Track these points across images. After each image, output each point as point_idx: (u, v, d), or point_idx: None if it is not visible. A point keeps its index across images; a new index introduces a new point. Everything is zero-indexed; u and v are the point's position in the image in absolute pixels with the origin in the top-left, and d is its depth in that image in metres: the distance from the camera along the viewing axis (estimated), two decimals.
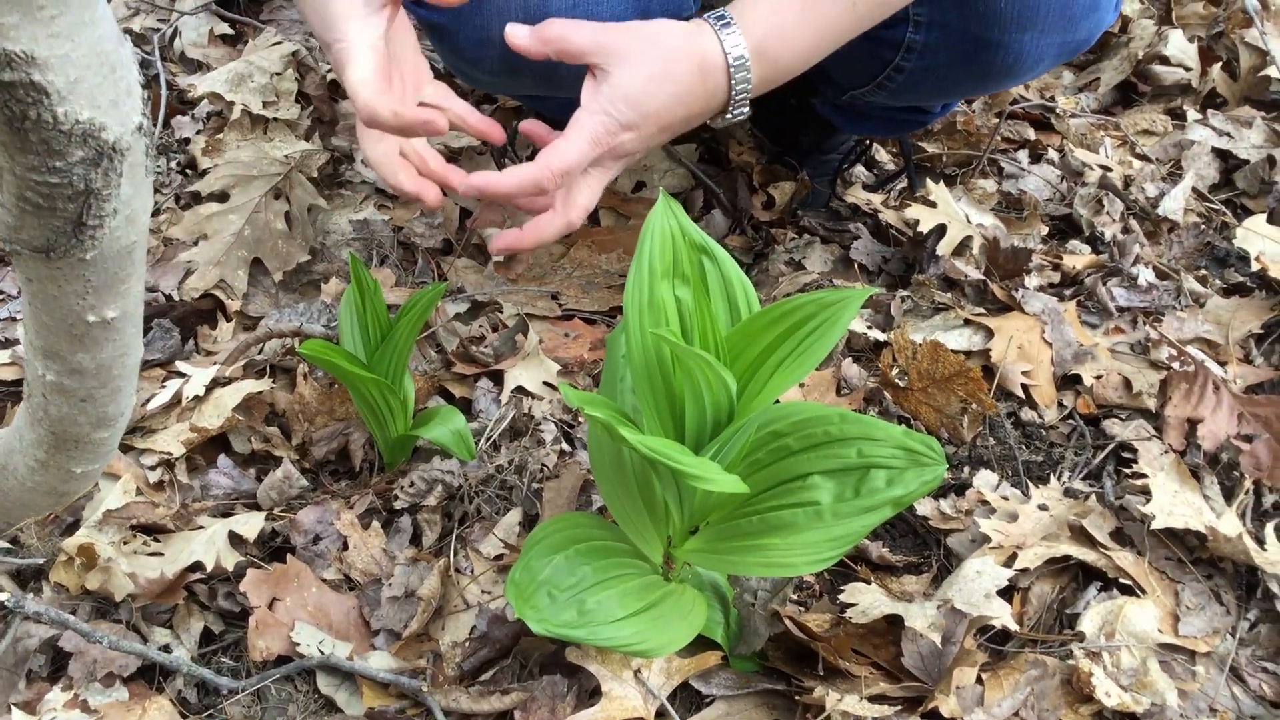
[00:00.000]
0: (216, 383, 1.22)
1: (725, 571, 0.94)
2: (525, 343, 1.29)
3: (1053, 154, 1.69)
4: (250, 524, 1.06)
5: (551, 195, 0.95)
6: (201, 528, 1.06)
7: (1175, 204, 1.52)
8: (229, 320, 1.37)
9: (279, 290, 1.43)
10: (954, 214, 1.44)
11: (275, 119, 1.65)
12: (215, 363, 1.25)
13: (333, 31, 0.92)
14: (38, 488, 0.94)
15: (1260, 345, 1.29)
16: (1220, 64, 1.82)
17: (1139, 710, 0.87)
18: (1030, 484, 1.11)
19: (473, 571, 1.04)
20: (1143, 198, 1.56)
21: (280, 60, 1.74)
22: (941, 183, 1.49)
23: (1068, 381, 1.24)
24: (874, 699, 0.88)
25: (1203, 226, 1.49)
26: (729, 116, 0.99)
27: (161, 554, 1.02)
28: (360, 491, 1.14)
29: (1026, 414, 1.20)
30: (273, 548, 1.09)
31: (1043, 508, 1.07)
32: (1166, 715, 0.87)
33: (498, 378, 1.27)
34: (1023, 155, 1.70)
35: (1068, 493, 1.10)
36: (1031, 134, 1.74)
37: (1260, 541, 1.01)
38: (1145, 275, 1.37)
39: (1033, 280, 1.36)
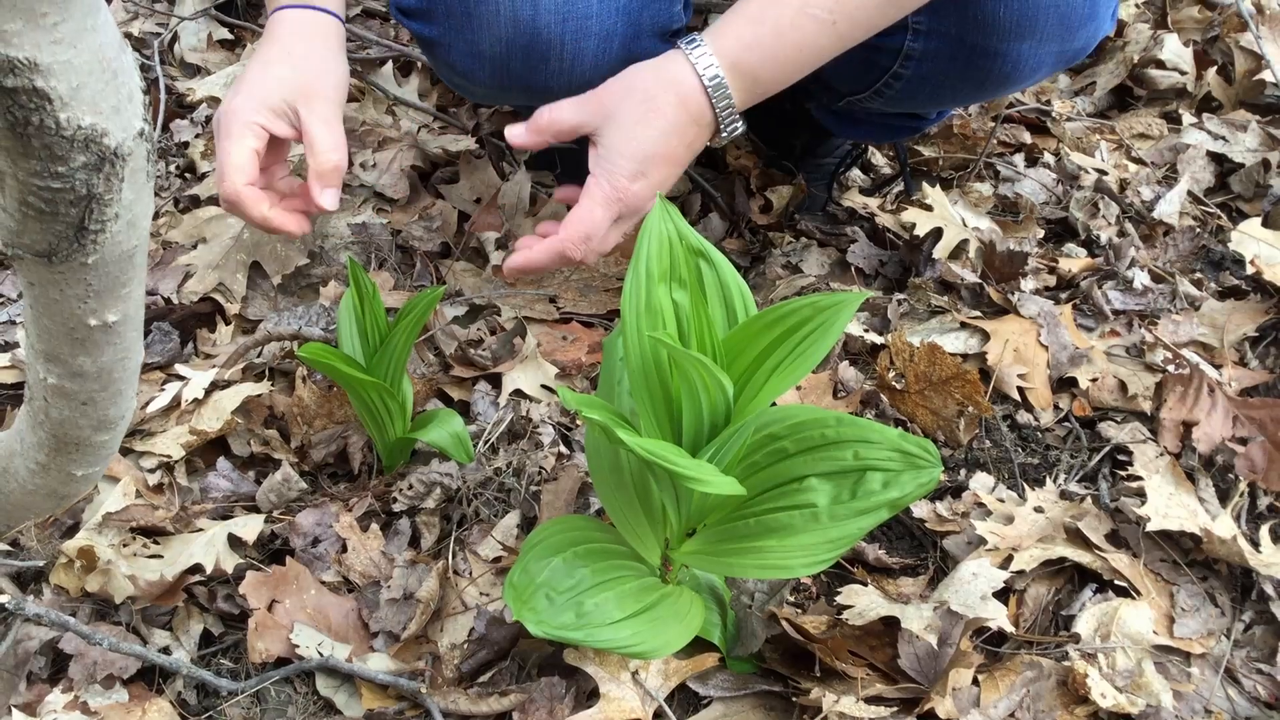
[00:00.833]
0: (215, 386, 1.22)
1: (722, 573, 0.94)
2: (523, 346, 1.29)
3: (1049, 158, 1.70)
4: (249, 526, 1.06)
5: (585, 256, 1.00)
6: (201, 530, 1.06)
7: (1170, 207, 1.53)
8: (228, 323, 1.37)
9: (278, 293, 1.43)
10: (950, 217, 1.44)
11: None
12: (214, 366, 1.25)
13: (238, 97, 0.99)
14: (38, 490, 0.94)
15: (1255, 348, 1.29)
16: (1215, 68, 1.82)
17: (1134, 711, 0.87)
18: (1026, 486, 1.12)
19: (471, 574, 1.04)
20: (1138, 201, 1.57)
21: None
22: (938, 186, 1.49)
23: (1064, 384, 1.24)
24: (870, 700, 0.89)
25: (1198, 230, 1.49)
26: (724, 135, 1.02)
27: (161, 556, 1.02)
28: (359, 494, 1.14)
29: (1022, 416, 1.21)
30: (272, 550, 1.10)
31: (1038, 510, 1.07)
32: (1161, 716, 0.87)
33: (496, 381, 1.27)
34: (1019, 159, 1.70)
35: (1063, 495, 1.10)
36: (1027, 138, 1.74)
37: (1255, 543, 1.02)
38: (1141, 278, 1.38)
39: (1029, 283, 1.37)
